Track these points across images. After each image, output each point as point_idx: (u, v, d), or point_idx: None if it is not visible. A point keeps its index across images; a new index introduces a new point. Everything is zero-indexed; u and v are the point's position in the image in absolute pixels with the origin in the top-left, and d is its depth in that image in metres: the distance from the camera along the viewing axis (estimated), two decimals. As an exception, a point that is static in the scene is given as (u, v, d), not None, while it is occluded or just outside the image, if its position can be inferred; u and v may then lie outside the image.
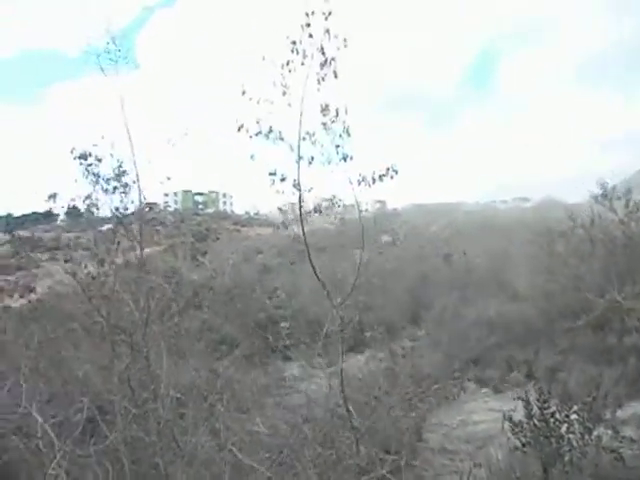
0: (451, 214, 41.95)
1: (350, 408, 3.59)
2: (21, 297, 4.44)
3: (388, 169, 3.40)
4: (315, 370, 4.62)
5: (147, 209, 4.65)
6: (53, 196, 3.98)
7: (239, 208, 55.47)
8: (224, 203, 57.31)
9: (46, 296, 9.45)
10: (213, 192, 55.77)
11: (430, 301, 15.80)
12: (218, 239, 26.62)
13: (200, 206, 53.19)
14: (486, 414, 8.03)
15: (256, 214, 49.65)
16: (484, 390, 8.82)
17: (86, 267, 3.93)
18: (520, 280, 14.29)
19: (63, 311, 5.43)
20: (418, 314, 15.27)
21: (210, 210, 50.33)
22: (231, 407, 4.46)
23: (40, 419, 3.31)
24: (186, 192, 51.45)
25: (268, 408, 4.94)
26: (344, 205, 3.98)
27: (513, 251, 17.21)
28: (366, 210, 5.46)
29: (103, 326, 3.86)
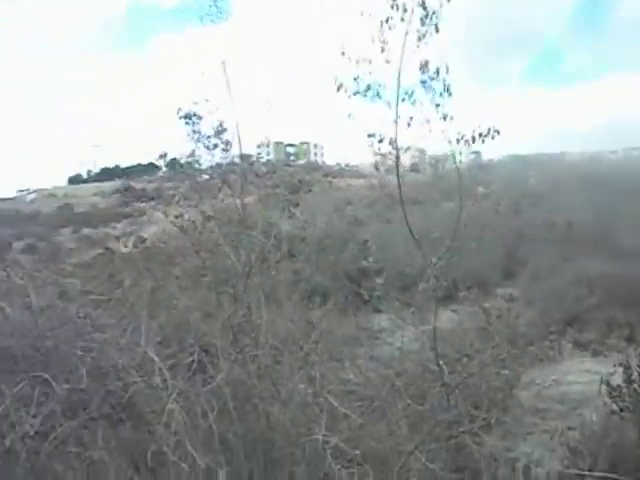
0: (552, 166, 39.46)
1: (441, 364, 3.66)
2: (134, 246, 4.84)
3: (489, 129, 3.30)
4: (406, 324, 4.70)
5: (249, 164, 4.84)
6: (163, 156, 4.25)
7: (330, 159, 55.58)
8: (315, 154, 57.62)
9: (154, 245, 10.15)
10: (304, 143, 56.10)
11: (526, 257, 15.29)
12: (310, 191, 26.96)
13: (292, 157, 53.86)
14: (581, 375, 7.81)
15: (347, 165, 49.57)
16: (581, 351, 8.55)
17: (194, 222, 4.21)
18: (627, 238, 13.44)
19: (171, 260, 5.87)
20: (513, 270, 14.86)
21: (301, 161, 50.86)
22: (325, 356, 4.67)
23: (157, 359, 3.62)
24: (278, 143, 52.20)
25: (360, 359, 5.12)
26: (438, 157, 3.93)
27: (621, 207, 16.12)
28: (460, 161, 5.34)
29: (208, 277, 4.15)
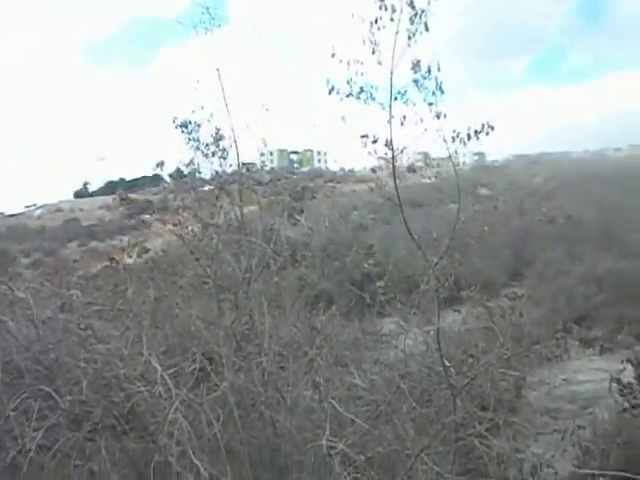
0: (556, 165, 39.35)
1: (447, 365, 3.62)
2: (138, 257, 4.86)
3: (483, 125, 3.28)
4: (410, 327, 4.67)
5: (245, 170, 4.84)
6: (161, 164, 4.26)
7: (334, 165, 55.71)
8: (319, 161, 57.78)
9: (157, 255, 10.17)
10: (308, 150, 56.31)
11: (532, 257, 15.20)
12: (314, 197, 27.01)
13: (295, 164, 54.03)
14: (591, 374, 7.73)
15: (350, 170, 49.64)
16: (589, 350, 8.47)
17: (192, 231, 4.21)
18: (635, 235, 13.34)
19: (174, 270, 5.85)
20: (519, 270, 14.76)
21: (305, 168, 50.99)
22: (330, 361, 4.64)
23: (159, 367, 3.60)
24: (281, 151, 52.36)
25: (365, 363, 5.08)
26: (440, 158, 3.91)
27: (628, 204, 16.01)
28: (463, 163, 5.31)
29: (210, 285, 4.14)
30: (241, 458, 3.87)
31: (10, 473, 3.04)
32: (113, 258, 4.48)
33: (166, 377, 3.59)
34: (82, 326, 3.88)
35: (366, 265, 4.44)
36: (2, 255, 27.42)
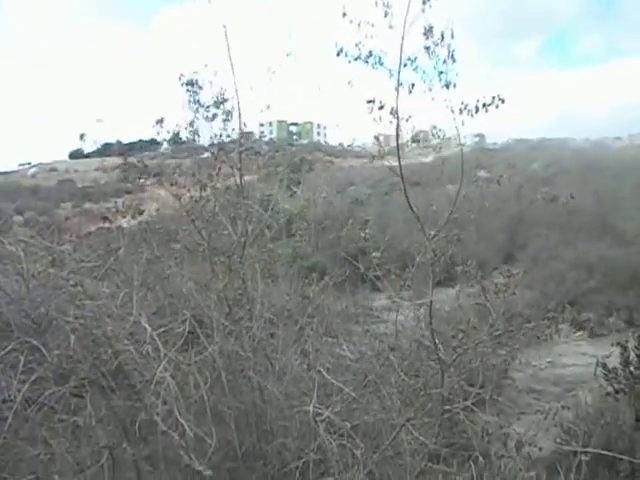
0: (555, 151, 39.16)
1: (437, 340, 3.62)
2: (132, 218, 4.77)
3: (494, 97, 3.20)
4: (402, 301, 4.66)
5: (245, 137, 4.75)
6: (160, 121, 4.17)
7: (333, 139, 55.32)
8: (318, 134, 57.33)
9: (152, 218, 10.08)
10: (308, 122, 55.85)
11: (525, 241, 15.28)
12: (312, 170, 26.83)
13: (294, 136, 53.60)
14: (577, 358, 7.84)
15: (349, 146, 49.33)
16: (578, 333, 8.57)
17: (189, 191, 4.15)
18: (628, 224, 13.40)
19: (168, 232, 5.80)
20: (512, 254, 14.86)
21: (304, 141, 50.60)
22: (320, 331, 4.65)
23: (149, 328, 3.58)
24: (281, 122, 51.89)
25: (355, 335, 5.10)
26: (441, 137, 3.85)
27: (625, 193, 16.03)
28: (463, 144, 5.25)
29: (204, 247, 4.10)
30: (226, 421, 3.88)
31: (-6, 424, 3.03)
32: (106, 218, 4.40)
33: (155, 337, 3.58)
34: (72, 282, 3.83)
35: (362, 234, 4.38)
36: (-6, 212, 27.18)
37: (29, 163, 61.24)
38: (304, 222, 5.31)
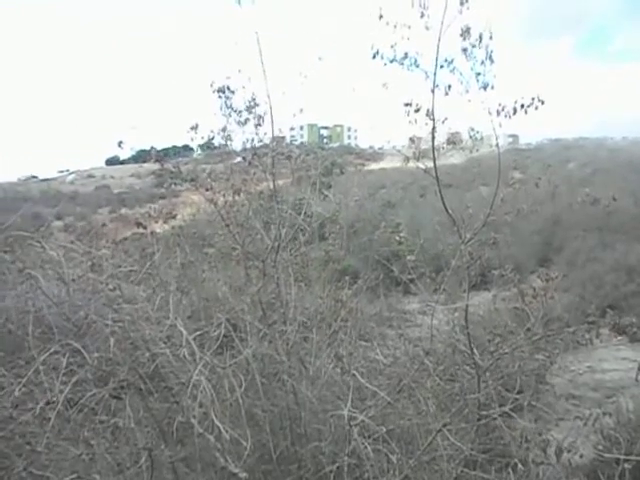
0: (592, 151, 38.24)
1: (472, 345, 3.57)
2: (164, 223, 4.86)
3: (533, 99, 3.15)
4: (435, 305, 4.62)
5: (277, 141, 4.79)
6: (195, 127, 4.24)
7: (364, 142, 55.22)
8: (349, 137, 57.30)
9: (185, 223, 10.25)
10: (338, 126, 55.90)
11: (562, 244, 14.96)
12: (343, 173, 26.85)
13: (325, 140, 53.71)
14: (618, 363, 7.61)
15: (380, 149, 49.16)
16: (619, 338, 8.32)
17: (224, 196, 4.20)
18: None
19: (201, 237, 5.89)
20: (548, 257, 14.56)
21: (335, 144, 50.66)
22: (354, 335, 4.64)
23: (185, 331, 3.64)
24: (311, 126, 52.07)
25: (389, 339, 5.07)
26: (478, 139, 3.80)
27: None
28: (496, 145, 5.16)
29: (238, 252, 4.15)
30: (261, 424, 3.91)
31: (39, 423, 3.12)
32: (141, 223, 4.49)
33: (191, 340, 3.63)
34: (111, 286, 3.93)
35: (397, 237, 4.36)
36: (35, 218, 28.04)
37: (67, 170, 63.03)
38: (337, 225, 5.30)
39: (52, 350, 3.34)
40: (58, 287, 4.25)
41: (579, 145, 43.40)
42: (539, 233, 15.83)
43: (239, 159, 4.84)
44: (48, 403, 3.01)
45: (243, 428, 3.41)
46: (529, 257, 13.72)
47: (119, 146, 4.42)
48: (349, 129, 56.58)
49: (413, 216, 16.60)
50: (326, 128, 54.69)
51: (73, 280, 3.97)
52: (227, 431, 3.09)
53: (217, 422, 3.04)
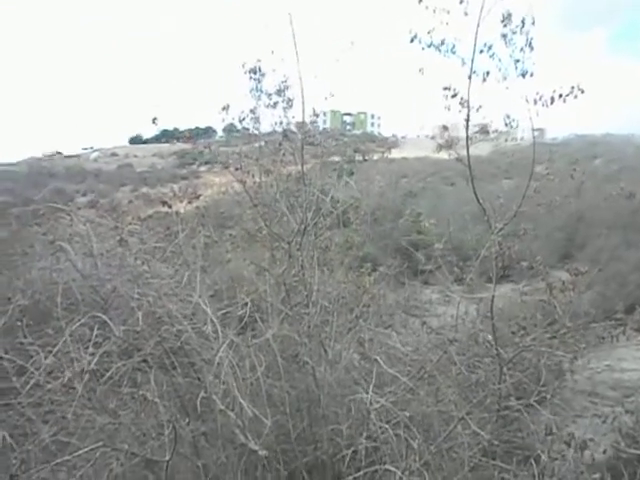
0: (619, 147, 37.43)
1: (496, 336, 3.56)
2: (189, 203, 4.90)
3: (573, 87, 3.09)
4: (458, 295, 4.61)
5: (301, 126, 4.79)
6: (226, 107, 4.24)
7: (386, 130, 54.78)
8: (372, 124, 56.87)
9: (207, 203, 10.32)
10: (362, 113, 55.44)
11: (585, 241, 14.76)
12: (366, 160, 26.70)
13: (348, 127, 53.39)
14: (637, 363, 7.51)
15: (403, 138, 48.77)
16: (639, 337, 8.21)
17: (253, 176, 4.22)
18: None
19: (223, 217, 5.94)
20: (570, 253, 14.37)
21: (358, 131, 50.33)
22: (375, 321, 4.65)
23: (209, 310, 3.68)
24: (335, 112, 51.75)
25: (409, 327, 5.07)
26: (510, 127, 3.75)
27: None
28: (521, 138, 5.09)
29: (264, 232, 4.17)
30: (279, 405, 3.95)
31: (65, 392, 3.19)
32: (166, 202, 4.53)
33: (214, 319, 3.67)
34: (139, 262, 3.98)
35: (425, 225, 4.34)
36: (60, 193, 28.46)
37: (91, 147, 63.71)
38: (361, 211, 5.30)
39: (81, 322, 3.40)
40: (86, 260, 4.31)
41: (606, 141, 42.54)
42: (562, 229, 15.62)
43: (262, 143, 4.85)
44: (77, 372, 3.07)
45: (263, 407, 3.45)
46: (551, 252, 13.53)
47: (153, 122, 4.43)
48: (372, 116, 56.17)
49: (434, 206, 16.48)
50: (349, 115, 54.33)
51: (101, 254, 4.03)
52: (250, 409, 3.14)
53: (240, 400, 3.08)
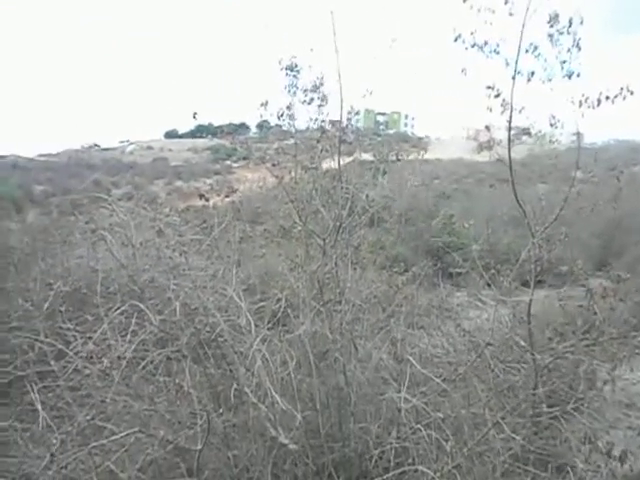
0: (659, 153, 36.31)
1: (532, 341, 3.50)
2: (226, 197, 4.95)
3: (622, 89, 3.01)
4: (487, 299, 4.55)
5: (334, 124, 4.78)
6: (265, 104, 4.27)
7: (420, 131, 54.32)
8: (405, 125, 56.47)
9: (242, 198, 10.41)
10: (396, 113, 55.07)
11: (622, 249, 14.41)
12: (398, 160, 26.51)
13: (381, 126, 53.11)
14: (672, 377, 7.28)
15: (437, 139, 48.30)
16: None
17: (290, 172, 4.24)
18: None
19: (262, 212, 5.99)
20: (607, 261, 14.03)
21: (391, 131, 50.03)
22: (407, 321, 4.63)
23: (242, 303, 3.71)
24: (368, 111, 51.54)
25: (442, 328, 5.03)
26: (554, 128, 3.67)
27: None
28: (557, 141, 4.98)
29: (300, 228, 4.18)
30: (308, 401, 3.96)
31: (103, 378, 3.26)
32: (203, 195, 4.59)
33: (248, 314, 3.71)
34: (177, 253, 4.05)
35: (465, 225, 4.30)
36: (96, 185, 29.14)
37: (128, 140, 64.90)
38: (395, 212, 5.27)
39: (120, 310, 3.47)
40: (125, 249, 4.40)
41: (646, 147, 41.31)
42: (599, 235, 15.27)
43: (292, 140, 4.86)
44: (115, 359, 3.14)
45: (294, 402, 3.47)
46: (587, 259, 13.23)
47: (193, 117, 4.51)
48: (406, 116, 55.82)
49: (467, 208, 16.28)
50: (383, 114, 54.07)
51: (141, 244, 4.11)
52: (282, 403, 3.16)
53: (273, 393, 3.11)
